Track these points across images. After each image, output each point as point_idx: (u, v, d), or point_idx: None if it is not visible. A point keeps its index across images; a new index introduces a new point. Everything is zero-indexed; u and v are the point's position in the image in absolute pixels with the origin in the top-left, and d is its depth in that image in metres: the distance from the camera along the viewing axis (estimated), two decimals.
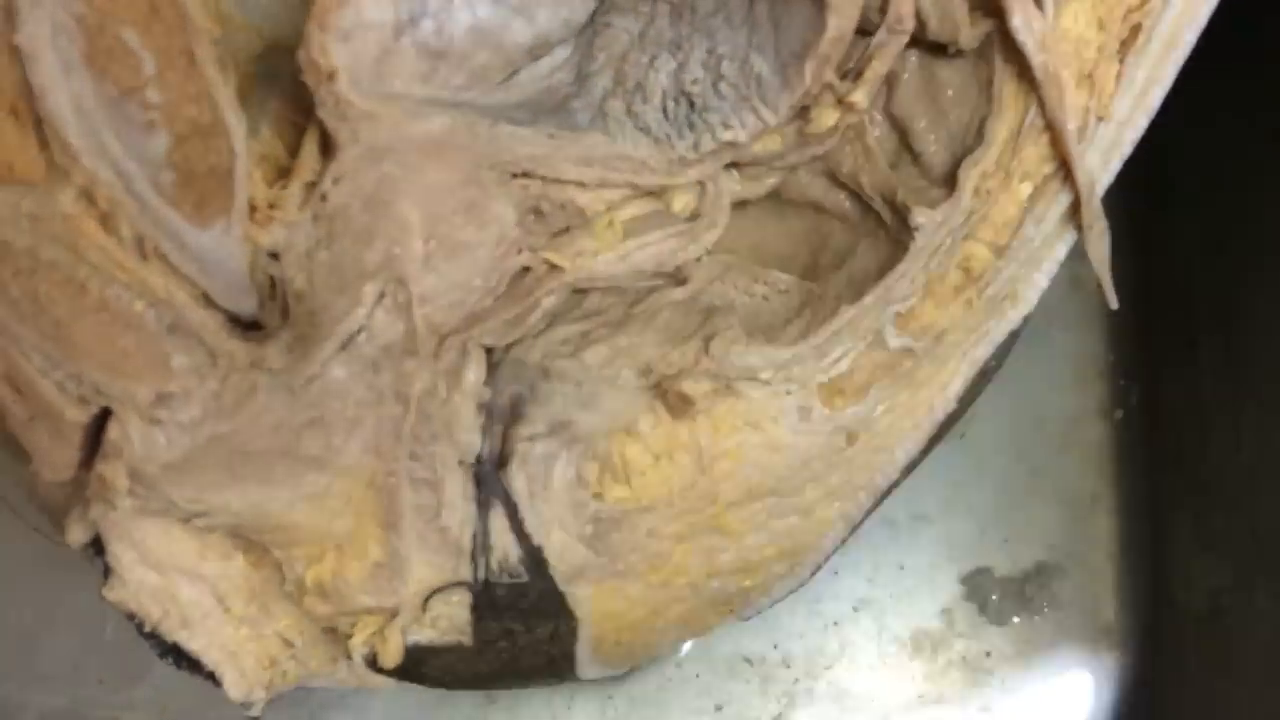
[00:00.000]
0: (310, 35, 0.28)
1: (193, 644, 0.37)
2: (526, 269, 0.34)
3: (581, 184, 0.32)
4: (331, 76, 0.29)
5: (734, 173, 0.36)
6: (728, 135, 0.32)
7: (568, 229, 0.34)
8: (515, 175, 0.32)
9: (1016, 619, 0.48)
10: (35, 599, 0.48)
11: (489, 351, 0.34)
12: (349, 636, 0.37)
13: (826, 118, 0.33)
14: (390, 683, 0.40)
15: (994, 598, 0.48)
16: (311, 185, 0.30)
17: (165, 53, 0.28)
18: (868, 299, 0.35)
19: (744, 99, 0.32)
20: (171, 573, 0.36)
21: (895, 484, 0.39)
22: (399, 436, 0.33)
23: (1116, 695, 0.48)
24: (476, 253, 0.32)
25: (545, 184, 0.32)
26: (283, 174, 0.32)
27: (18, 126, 0.28)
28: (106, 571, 0.36)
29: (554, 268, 0.34)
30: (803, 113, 0.33)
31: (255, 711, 0.38)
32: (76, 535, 0.36)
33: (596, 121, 0.33)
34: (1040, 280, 0.37)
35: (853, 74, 0.33)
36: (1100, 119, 0.35)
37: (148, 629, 0.37)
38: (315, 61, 0.28)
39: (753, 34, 0.31)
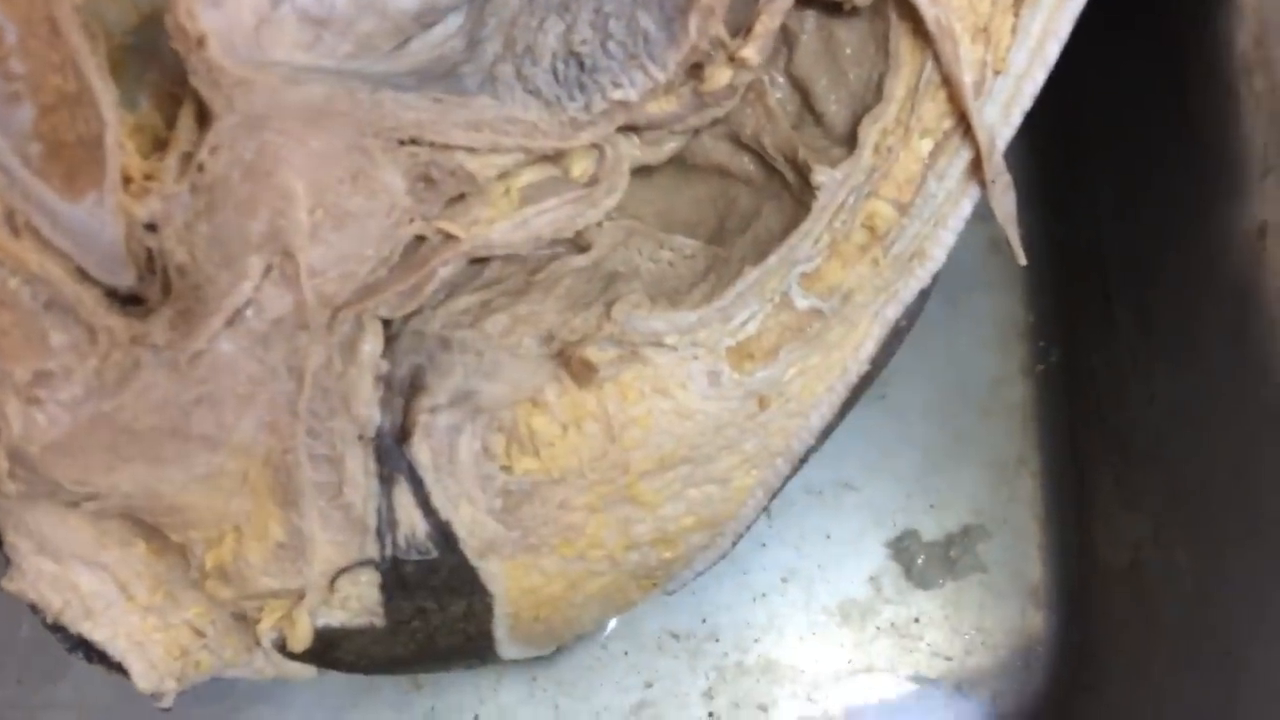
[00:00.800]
0: (175, 0, 0.28)
1: (97, 634, 0.36)
2: (421, 238, 0.33)
3: (471, 149, 0.32)
4: (201, 42, 0.28)
5: (634, 137, 0.35)
6: (618, 94, 0.32)
7: (462, 196, 0.33)
8: (402, 142, 0.31)
9: (944, 583, 0.48)
10: None
11: (386, 323, 0.34)
12: (257, 622, 0.36)
13: (720, 76, 0.33)
14: (309, 671, 0.39)
15: (920, 562, 0.48)
16: (189, 156, 0.30)
17: (26, 20, 0.27)
18: (771, 259, 0.35)
19: (632, 57, 0.31)
20: (70, 561, 0.35)
21: (813, 449, 0.39)
22: (295, 412, 0.33)
23: (1045, 655, 0.48)
24: (366, 222, 0.32)
25: (434, 150, 0.32)
26: (162, 146, 0.31)
27: None
28: (7, 563, 0.36)
29: (450, 237, 0.33)
30: (696, 72, 0.33)
31: (166, 703, 0.37)
32: None
33: (485, 86, 0.32)
34: (947, 237, 0.36)
35: (744, 31, 0.32)
36: (997, 72, 0.35)
37: (50, 620, 0.36)
38: (183, 26, 0.28)
39: None
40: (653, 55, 0.31)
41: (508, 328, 0.34)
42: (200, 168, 0.29)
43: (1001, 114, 0.35)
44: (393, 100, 0.30)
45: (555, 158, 0.34)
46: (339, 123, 0.30)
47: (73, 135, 0.28)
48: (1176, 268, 0.42)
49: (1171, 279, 0.42)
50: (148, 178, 0.29)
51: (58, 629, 0.37)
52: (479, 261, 0.35)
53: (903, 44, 0.35)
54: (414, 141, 0.31)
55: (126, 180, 0.29)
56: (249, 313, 0.31)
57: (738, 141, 0.37)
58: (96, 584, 0.35)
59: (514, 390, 0.34)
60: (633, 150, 0.35)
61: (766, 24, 0.32)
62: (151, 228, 0.30)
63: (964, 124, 0.35)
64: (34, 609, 0.36)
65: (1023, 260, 0.37)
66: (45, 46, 0.27)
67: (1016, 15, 0.34)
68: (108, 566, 0.35)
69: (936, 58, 0.34)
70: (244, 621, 0.37)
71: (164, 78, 0.32)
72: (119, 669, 0.37)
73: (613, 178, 0.34)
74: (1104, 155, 0.46)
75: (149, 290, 0.30)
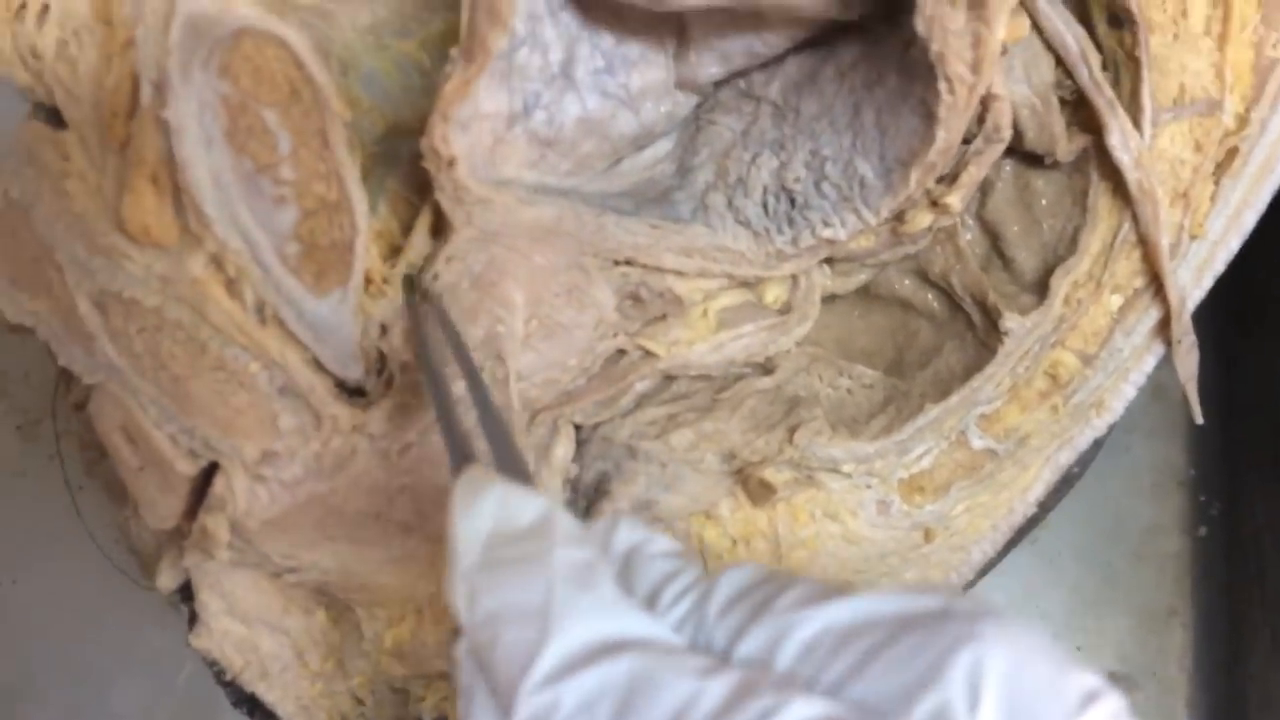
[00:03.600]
0: (433, 125, 0.30)
1: (269, 695, 0.38)
2: (621, 352, 0.35)
3: (681, 273, 0.33)
4: (451, 164, 0.30)
5: (825, 267, 0.36)
6: (827, 233, 0.33)
7: (664, 316, 0.35)
8: (617, 262, 0.33)
9: None
10: (114, 640, 0.49)
11: (577, 429, 0.35)
12: (421, 699, 0.37)
13: (921, 219, 0.34)
14: None
15: None
16: (427, 263, 0.32)
17: (301, 133, 0.29)
18: (953, 399, 0.35)
19: (845, 199, 0.33)
20: (256, 624, 0.37)
21: (970, 584, 0.39)
22: None
23: None
24: (574, 334, 0.33)
25: (645, 272, 0.33)
26: (396, 251, 0.33)
27: (157, 193, 0.29)
28: (193, 619, 0.37)
29: (649, 354, 0.34)
30: (898, 214, 0.34)
31: None
32: (167, 581, 0.37)
33: (698, 214, 0.34)
34: (1128, 391, 0.37)
35: (949, 178, 0.34)
36: (1194, 237, 0.35)
37: (228, 678, 0.38)
38: (436, 149, 0.30)
39: (857, 139, 0.32)
40: (867, 201, 0.32)
41: (692, 443, 0.35)
42: (435, 276, 0.31)
43: (1194, 277, 0.36)
44: (615, 224, 0.32)
45: (752, 283, 0.35)
46: (563, 241, 0.32)
47: (327, 239, 0.30)
48: None
49: None
50: (385, 281, 0.31)
51: (229, 684, 0.39)
52: (669, 377, 0.36)
53: (1101, 201, 0.35)
54: (629, 262, 0.33)
55: (367, 282, 0.31)
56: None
57: (924, 277, 0.38)
58: (276, 648, 0.37)
59: (691, 502, 0.36)
60: (824, 280, 0.37)
61: (974, 174, 0.33)
62: (384, 327, 0.32)
63: (1156, 283, 0.35)
64: (211, 665, 0.38)
65: (1200, 419, 0.37)
66: (314, 157, 0.30)
67: (1217, 184, 0.35)
68: (289, 632, 0.37)
69: (1135, 218, 0.35)
70: (402, 694, 0.39)
71: (402, 185, 0.34)
72: None
73: (805, 307, 0.36)
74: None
75: (372, 384, 0.32)
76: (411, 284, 0.31)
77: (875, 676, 0.18)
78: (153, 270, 0.30)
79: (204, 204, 0.29)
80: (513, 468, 0.24)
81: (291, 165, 0.29)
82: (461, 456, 0.24)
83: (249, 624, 0.37)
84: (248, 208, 0.29)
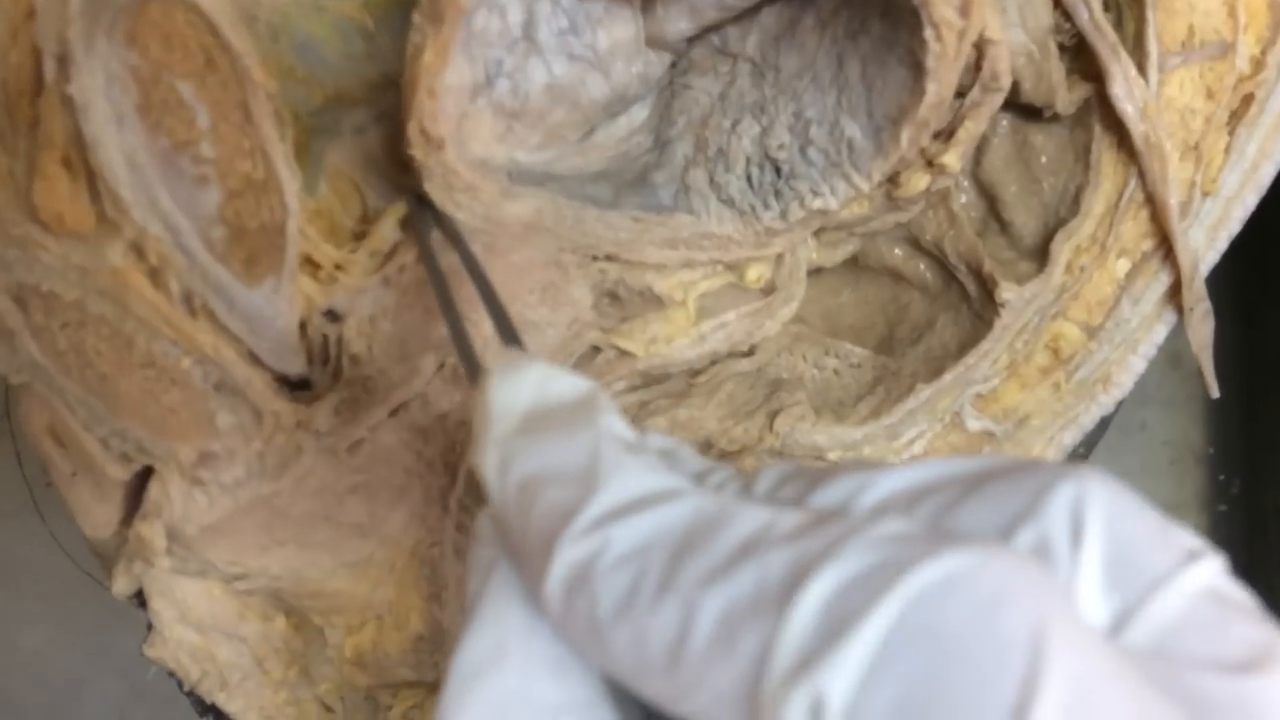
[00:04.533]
0: (419, 103, 0.27)
1: (231, 706, 0.36)
2: (596, 349, 0.32)
3: (663, 267, 0.31)
4: (440, 146, 0.27)
5: (810, 240, 0.34)
6: (817, 203, 0.30)
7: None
8: (596, 258, 0.31)
9: None
10: (86, 643, 0.48)
11: None
12: (389, 708, 0.35)
13: (917, 181, 0.31)
14: None
15: None
16: (386, 254, 0.29)
17: (220, 106, 0.27)
18: (946, 378, 0.33)
19: (834, 164, 0.30)
20: (211, 633, 0.35)
21: None
22: (446, 506, 0.32)
23: None
24: (546, 332, 0.31)
25: (625, 268, 0.31)
26: (338, 232, 0.31)
27: (69, 178, 0.27)
28: (150, 626, 0.36)
29: (625, 353, 0.32)
30: (891, 176, 0.31)
31: None
32: (122, 587, 0.35)
33: (679, 198, 0.31)
34: (1137, 364, 0.34)
35: (944, 135, 0.31)
36: (1206, 194, 0.32)
37: (186, 689, 0.36)
38: (425, 130, 0.27)
39: (842, 96, 0.30)
40: (857, 165, 0.29)
41: (666, 433, 0.33)
42: (402, 268, 0.29)
43: (1207, 238, 0.33)
44: (595, 218, 0.30)
45: (734, 264, 0.33)
46: (542, 238, 0.29)
47: (255, 221, 0.28)
48: None
49: None
50: (338, 267, 0.29)
51: (192, 695, 0.37)
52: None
53: (1105, 157, 0.33)
54: (608, 258, 0.30)
55: (315, 267, 0.29)
56: (415, 406, 0.31)
57: (916, 245, 0.35)
58: (234, 656, 0.35)
59: None
60: (810, 253, 0.34)
61: (971, 130, 0.30)
62: (333, 316, 0.29)
63: (1165, 246, 0.33)
64: (170, 674, 0.36)
65: (1215, 392, 0.35)
66: (236, 132, 0.27)
67: (1231, 134, 0.32)
68: (246, 640, 0.35)
69: (1142, 175, 0.32)
70: (374, 701, 0.37)
71: (344, 161, 0.31)
72: None
73: (790, 285, 0.33)
74: None
75: (317, 377, 0.30)
76: (420, 201, 0.28)
77: (966, 514, 0.15)
78: (70, 261, 0.28)
79: (118, 187, 0.27)
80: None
81: (212, 142, 0.27)
82: (478, 369, 0.22)
83: (204, 632, 0.35)
84: (167, 190, 0.27)
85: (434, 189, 0.27)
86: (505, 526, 0.17)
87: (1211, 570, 0.15)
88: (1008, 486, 0.15)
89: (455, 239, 0.28)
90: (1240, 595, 0.15)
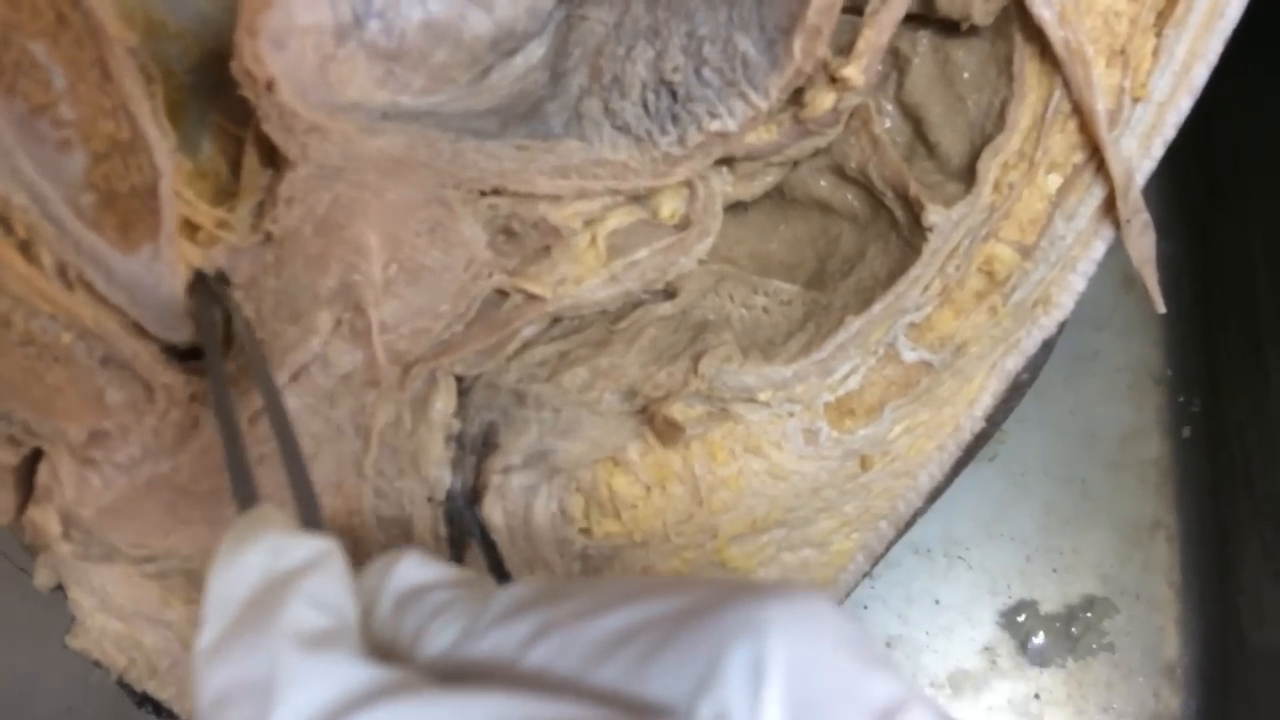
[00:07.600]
0: (240, 43, 0.26)
1: (162, 694, 0.35)
2: (501, 292, 0.31)
3: (556, 198, 0.29)
4: (270, 86, 0.26)
5: (726, 172, 0.32)
6: (715, 125, 0.29)
7: (546, 249, 0.31)
8: (484, 193, 0.29)
9: (1066, 659, 0.43)
10: (32, 643, 0.47)
11: (459, 380, 0.31)
12: None
13: (823, 100, 0.30)
14: None
15: (1040, 636, 0.43)
16: (262, 206, 0.28)
17: (75, 65, 0.25)
18: (876, 308, 0.32)
19: (730, 84, 0.28)
20: (135, 619, 0.34)
21: (920, 511, 0.35)
22: (361, 473, 0.31)
23: None
24: (443, 276, 0.30)
25: (516, 201, 0.29)
26: (225, 193, 0.29)
27: None
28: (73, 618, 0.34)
29: (533, 297, 0.31)
30: (796, 97, 0.30)
31: None
32: (43, 579, 0.34)
33: (571, 125, 0.30)
34: (1076, 283, 0.33)
35: (846, 49, 0.29)
36: (1136, 100, 0.31)
37: (114, 678, 0.35)
38: (249, 70, 0.26)
39: (733, 10, 0.28)
40: (753, 81, 0.28)
41: (587, 382, 0.31)
42: (273, 219, 0.27)
43: (1140, 145, 0.31)
44: (475, 149, 0.28)
45: (642, 197, 0.31)
46: (418, 173, 0.28)
47: (126, 185, 0.27)
48: None
49: None
50: (220, 226, 0.28)
51: (124, 685, 0.36)
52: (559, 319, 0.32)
53: (1028, 68, 0.31)
54: (496, 192, 0.29)
55: (195, 229, 0.28)
56: (315, 368, 0.29)
57: (842, 174, 0.34)
58: (161, 642, 0.34)
59: (593, 449, 0.32)
60: (725, 186, 0.32)
61: (871, 39, 0.29)
62: (222, 277, 0.28)
63: (1097, 157, 0.31)
64: (97, 665, 0.35)
65: (1162, 309, 0.33)
66: (96, 92, 0.26)
67: (1159, 36, 0.31)
68: (172, 625, 0.34)
69: (1066, 84, 0.30)
70: None
71: (228, 119, 0.30)
72: None
73: (705, 219, 0.32)
74: (1254, 185, 0.42)
75: None
76: (204, 283, 0.27)
77: (656, 678, 0.15)
78: None
79: None
80: (307, 504, 0.21)
81: (70, 103, 0.26)
82: (244, 496, 0.22)
83: (126, 619, 0.33)
84: (28, 156, 0.26)
85: (274, 132, 0.26)
86: None
87: None
88: (698, 639, 0.15)
89: (244, 330, 0.26)
90: None
